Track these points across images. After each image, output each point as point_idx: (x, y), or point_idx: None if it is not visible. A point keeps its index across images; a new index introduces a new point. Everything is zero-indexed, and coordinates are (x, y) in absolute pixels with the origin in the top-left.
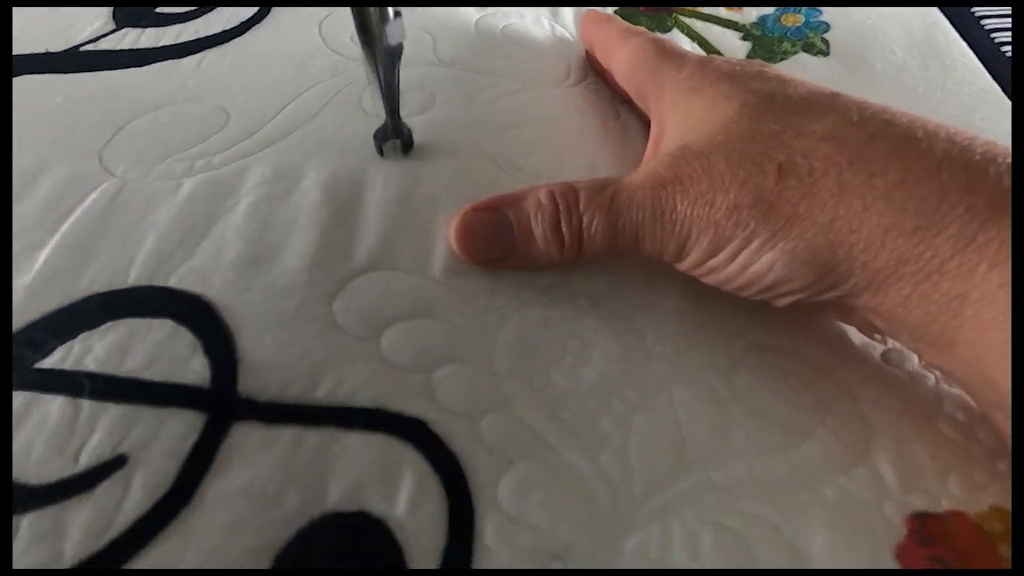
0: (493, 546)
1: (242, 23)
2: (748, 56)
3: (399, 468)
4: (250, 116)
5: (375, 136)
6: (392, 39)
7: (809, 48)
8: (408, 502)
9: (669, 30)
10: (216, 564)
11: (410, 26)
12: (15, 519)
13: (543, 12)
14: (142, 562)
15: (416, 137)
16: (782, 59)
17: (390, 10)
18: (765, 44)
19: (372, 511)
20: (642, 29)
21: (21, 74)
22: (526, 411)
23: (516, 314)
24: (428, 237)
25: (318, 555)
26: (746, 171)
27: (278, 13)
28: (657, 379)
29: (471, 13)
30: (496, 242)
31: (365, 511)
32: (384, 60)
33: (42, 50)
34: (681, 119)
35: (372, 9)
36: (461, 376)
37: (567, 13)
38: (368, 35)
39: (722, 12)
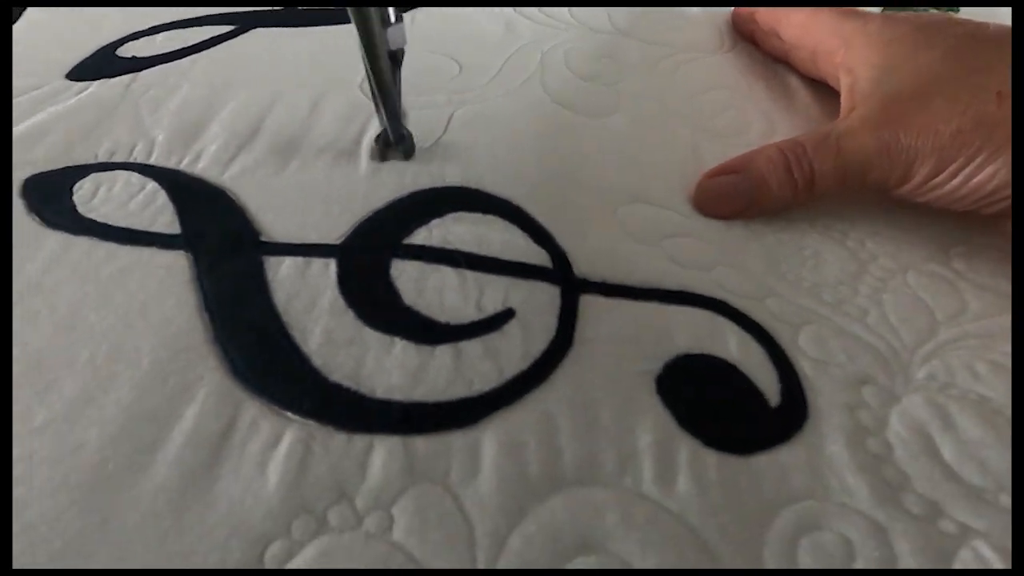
0: (812, 376)
1: None
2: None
3: (721, 328)
4: (478, 66)
5: (376, 140)
6: (393, 43)
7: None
8: (739, 350)
9: None
10: (612, 386)
11: None
12: (450, 346)
13: None
14: (558, 381)
15: (621, 106)
16: None
17: (392, 14)
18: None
19: (715, 354)
20: None
21: (254, 27)
22: (793, 296)
23: (754, 238)
24: (666, 180)
25: (690, 381)
26: (965, 102)
27: None
28: (888, 270)
29: None
30: (738, 198)
31: (710, 354)
32: (385, 64)
33: (266, 9)
34: (878, 68)
35: (373, 11)
36: (732, 273)
37: None
38: (369, 38)
39: None
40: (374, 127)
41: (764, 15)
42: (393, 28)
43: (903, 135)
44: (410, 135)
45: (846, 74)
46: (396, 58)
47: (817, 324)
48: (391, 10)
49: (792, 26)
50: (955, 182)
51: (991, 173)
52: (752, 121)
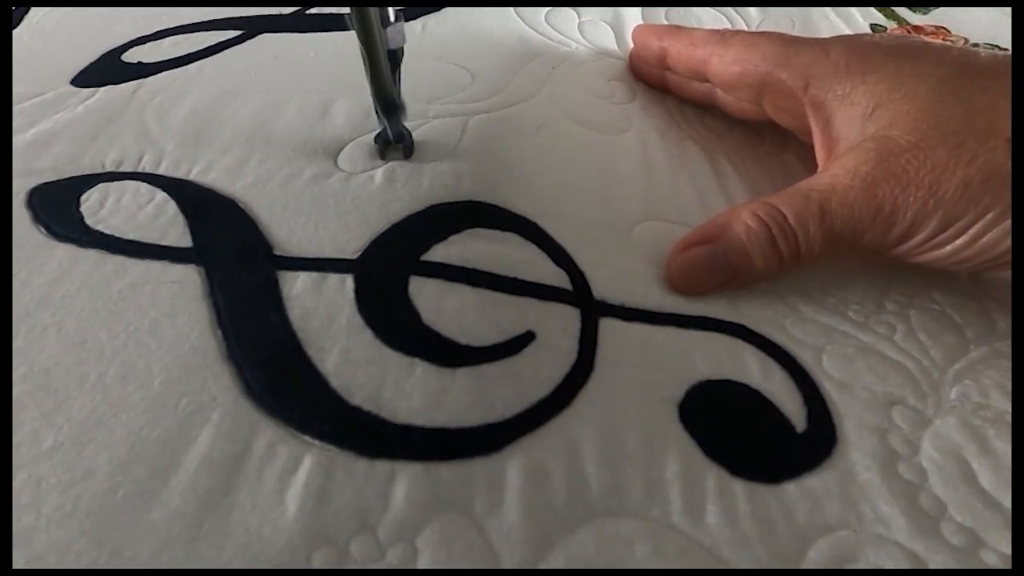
0: (838, 399)
1: None
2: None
3: (741, 353)
4: (491, 77)
5: (376, 140)
6: (392, 42)
7: None
8: (761, 374)
9: None
10: (635, 413)
11: (597, 19)
12: (471, 369)
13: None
14: (580, 406)
15: (634, 124)
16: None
17: (391, 13)
18: None
19: (737, 379)
20: (730, 29)
21: (261, 32)
22: (815, 314)
23: None
24: (680, 196)
25: (712, 408)
26: (971, 150)
27: None
28: (913, 285)
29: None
30: (716, 273)
31: (731, 379)
32: (384, 63)
33: (274, 12)
34: (857, 106)
35: (373, 11)
36: (753, 295)
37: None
38: (369, 38)
39: None
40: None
41: (682, 56)
42: (392, 27)
43: (900, 194)
44: (409, 134)
45: (815, 111)
46: (395, 57)
47: (839, 345)
48: (390, 10)
49: (726, 63)
50: (960, 241)
51: (1002, 233)
52: (764, 134)
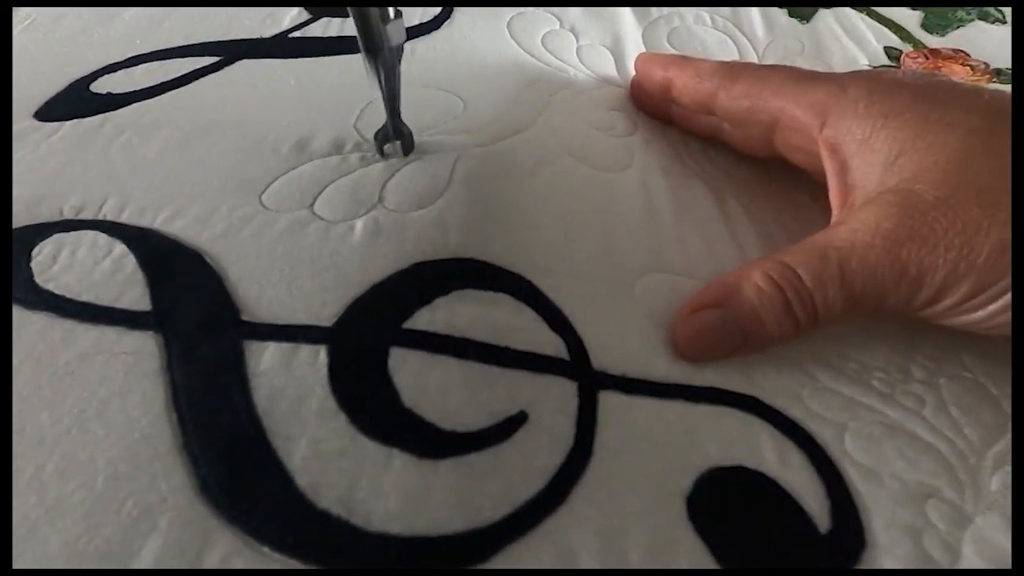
0: (866, 493)
1: (435, 18)
2: (922, 25)
3: (754, 431)
4: (485, 105)
5: (375, 137)
6: (393, 40)
7: (985, 17)
8: (777, 459)
9: None
10: (639, 511)
11: (596, 43)
12: (455, 460)
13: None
14: (576, 504)
15: (636, 160)
16: (958, 26)
17: (390, 10)
18: (938, 12)
19: (751, 466)
20: (739, 60)
21: (240, 59)
22: (835, 383)
23: None
24: (687, 243)
25: (725, 503)
26: (1007, 210)
27: (459, 13)
28: (940, 347)
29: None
30: (727, 339)
31: (744, 466)
32: (386, 61)
33: (255, 36)
34: (878, 152)
35: (373, 10)
36: (767, 360)
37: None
38: (369, 36)
39: None
40: (372, 173)
41: (688, 88)
42: (392, 24)
43: (927, 256)
44: (409, 132)
45: (830, 154)
46: (396, 54)
47: (863, 422)
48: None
49: (734, 97)
50: (995, 306)
51: None
52: (773, 171)
